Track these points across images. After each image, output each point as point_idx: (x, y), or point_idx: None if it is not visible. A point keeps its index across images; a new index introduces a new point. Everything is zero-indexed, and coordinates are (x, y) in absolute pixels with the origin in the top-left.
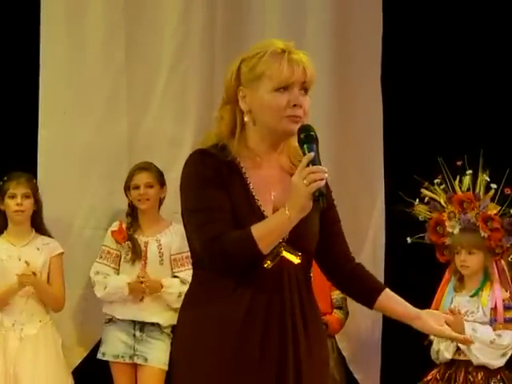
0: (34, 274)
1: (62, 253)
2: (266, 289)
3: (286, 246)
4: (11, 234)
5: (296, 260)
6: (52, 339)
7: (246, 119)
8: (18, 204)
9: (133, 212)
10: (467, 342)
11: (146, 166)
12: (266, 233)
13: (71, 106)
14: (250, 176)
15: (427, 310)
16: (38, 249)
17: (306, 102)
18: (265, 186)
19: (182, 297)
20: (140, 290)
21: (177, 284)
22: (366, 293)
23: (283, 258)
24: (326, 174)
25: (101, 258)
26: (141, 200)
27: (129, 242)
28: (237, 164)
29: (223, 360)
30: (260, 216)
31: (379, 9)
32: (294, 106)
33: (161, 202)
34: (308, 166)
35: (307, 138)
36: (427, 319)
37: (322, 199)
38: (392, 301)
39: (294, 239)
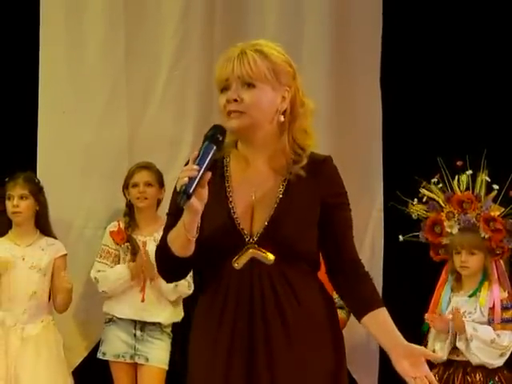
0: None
1: (66, 254)
2: (235, 289)
3: (254, 247)
4: (15, 234)
5: (268, 260)
6: (54, 339)
7: None
8: (13, 205)
9: (130, 211)
10: None
11: (147, 165)
12: (174, 236)
13: (71, 106)
14: (231, 176)
15: (408, 345)
16: (43, 249)
17: (246, 95)
18: (246, 186)
19: (178, 288)
20: (140, 267)
21: None
22: (358, 306)
23: (253, 258)
24: (196, 172)
25: (101, 257)
26: (139, 198)
27: (128, 244)
28: (223, 164)
29: (203, 366)
30: (226, 216)
31: (379, 9)
32: (228, 102)
33: (159, 202)
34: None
35: (210, 136)
36: (399, 359)
37: (183, 196)
38: (377, 323)
39: (265, 240)
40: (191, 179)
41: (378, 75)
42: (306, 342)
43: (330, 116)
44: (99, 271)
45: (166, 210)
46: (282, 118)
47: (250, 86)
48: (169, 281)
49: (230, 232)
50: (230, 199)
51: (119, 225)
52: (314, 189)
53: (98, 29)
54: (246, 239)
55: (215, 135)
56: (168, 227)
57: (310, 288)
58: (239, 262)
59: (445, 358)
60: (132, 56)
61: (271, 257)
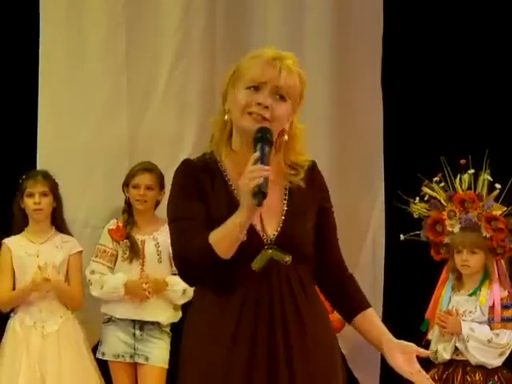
0: (47, 279)
1: (81, 251)
2: (255, 291)
3: (274, 248)
4: (31, 231)
5: (285, 260)
6: (74, 334)
7: (225, 118)
8: (35, 203)
9: (129, 209)
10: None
11: (150, 167)
12: (221, 237)
13: (71, 106)
14: (232, 179)
15: (400, 342)
16: (57, 246)
17: (276, 107)
18: None
19: (186, 293)
20: (137, 292)
21: (180, 281)
22: (349, 307)
23: (272, 259)
24: (267, 172)
25: (96, 256)
26: (139, 200)
27: (126, 241)
28: (220, 168)
29: (219, 365)
30: None
31: (380, 8)
32: (259, 104)
33: (157, 203)
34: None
35: (261, 138)
36: (393, 353)
37: (258, 196)
38: (368, 322)
39: (282, 241)
40: (265, 179)
41: (379, 74)
42: (319, 343)
43: (331, 116)
44: (93, 271)
45: (171, 214)
46: (286, 138)
47: (282, 98)
48: (193, 284)
49: (249, 234)
50: (238, 199)
51: (118, 222)
52: (311, 195)
53: (98, 27)
54: (265, 240)
55: (266, 136)
56: (191, 231)
57: (315, 291)
58: (258, 264)
59: (448, 357)
60: (133, 54)
61: (289, 257)
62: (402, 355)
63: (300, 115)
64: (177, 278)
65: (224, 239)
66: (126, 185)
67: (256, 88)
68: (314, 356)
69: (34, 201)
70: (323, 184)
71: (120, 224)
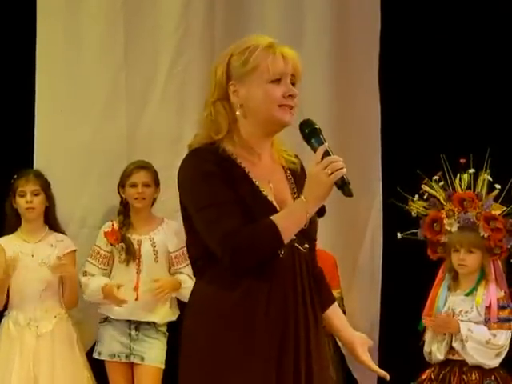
0: (63, 263)
1: (75, 250)
2: (281, 278)
3: (296, 235)
4: (24, 231)
5: (304, 246)
6: (68, 334)
7: (237, 113)
8: (27, 202)
9: (125, 210)
10: (385, 376)
11: (145, 165)
12: (290, 224)
13: (69, 104)
14: (248, 169)
15: (360, 335)
16: (52, 245)
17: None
18: (263, 177)
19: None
20: (112, 295)
21: (188, 279)
22: (322, 299)
23: (294, 246)
24: (343, 164)
25: (90, 257)
26: (138, 199)
27: (122, 244)
28: (234, 159)
29: (241, 352)
30: (269, 206)
31: (377, 6)
32: (289, 96)
33: (154, 201)
34: (323, 157)
35: (312, 132)
36: (355, 347)
37: (347, 186)
38: (336, 317)
39: (303, 229)
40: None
41: (376, 72)
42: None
43: (329, 115)
44: (85, 273)
45: (173, 208)
46: None
47: (294, 84)
48: (241, 268)
49: None
50: (262, 189)
51: (113, 225)
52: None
53: (96, 26)
54: None
55: (315, 128)
56: (232, 215)
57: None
58: (285, 250)
59: (442, 358)
60: (131, 53)
61: (307, 244)
62: (361, 347)
63: (297, 112)
64: (185, 276)
65: (292, 226)
66: (121, 186)
67: (278, 80)
68: (322, 352)
69: (26, 200)
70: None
71: (115, 226)
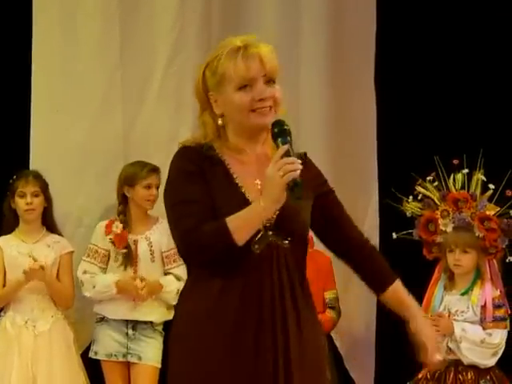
0: (42, 267)
1: (72, 251)
2: (256, 273)
3: (274, 230)
4: (22, 231)
5: (284, 243)
6: (64, 334)
7: (219, 123)
8: (27, 203)
9: (125, 209)
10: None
11: (156, 167)
12: (241, 224)
13: (64, 104)
14: (232, 167)
15: (422, 328)
16: (49, 246)
17: (274, 92)
18: (249, 175)
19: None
20: (129, 290)
21: (173, 281)
22: (380, 280)
23: (272, 242)
24: (301, 166)
25: (88, 256)
26: (150, 201)
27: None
28: (220, 158)
29: (220, 350)
30: (244, 202)
31: (373, 7)
32: (261, 100)
33: None
34: (282, 157)
35: (280, 132)
36: (421, 325)
37: (297, 189)
38: (400, 294)
39: (282, 224)
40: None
41: (372, 73)
42: (308, 328)
43: (324, 116)
44: (85, 272)
45: (174, 198)
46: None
47: (272, 82)
48: (196, 265)
49: None
50: (240, 185)
51: (123, 227)
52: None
53: (92, 25)
54: (264, 222)
55: (284, 128)
56: (197, 212)
57: (305, 277)
58: (259, 246)
59: (441, 359)
60: (127, 52)
61: (287, 240)
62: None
63: (294, 113)
64: (169, 279)
65: (244, 227)
66: (130, 185)
67: (247, 85)
68: (306, 348)
69: (26, 201)
70: (317, 170)
71: (120, 228)
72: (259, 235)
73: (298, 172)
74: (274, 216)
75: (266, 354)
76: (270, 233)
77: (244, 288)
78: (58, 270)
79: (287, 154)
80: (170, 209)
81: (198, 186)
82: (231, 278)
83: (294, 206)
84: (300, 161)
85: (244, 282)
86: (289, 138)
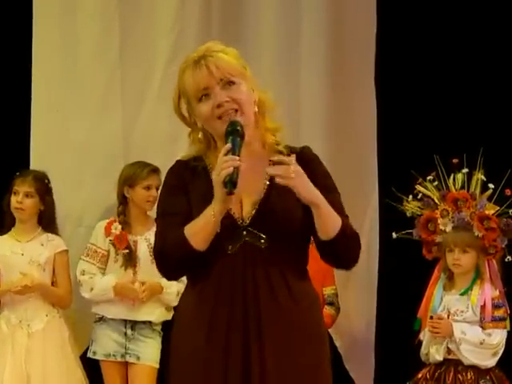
0: (27, 286)
1: (67, 250)
2: (229, 273)
3: (247, 229)
4: (17, 230)
5: (260, 242)
6: (59, 333)
7: (199, 136)
8: (17, 201)
9: (124, 210)
10: None
11: (156, 168)
12: (197, 230)
13: (64, 104)
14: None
15: None
16: (42, 244)
17: (233, 94)
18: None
19: (180, 295)
20: (127, 293)
21: (173, 282)
22: None
23: (247, 242)
24: (238, 162)
25: (87, 255)
26: (149, 201)
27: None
28: (206, 168)
29: (201, 351)
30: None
31: (373, 8)
32: (219, 106)
33: None
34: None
35: (231, 131)
36: None
37: (230, 185)
38: None
39: (260, 221)
40: (235, 169)
41: (372, 74)
42: (294, 329)
43: (325, 115)
44: (84, 272)
45: (157, 210)
46: (256, 109)
47: (231, 84)
48: (169, 278)
49: (224, 217)
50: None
51: (122, 229)
52: None
53: (91, 25)
54: (239, 222)
55: (236, 128)
56: (171, 226)
57: (302, 274)
58: (232, 246)
59: (440, 359)
60: (127, 52)
61: (264, 238)
62: None
63: (294, 113)
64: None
65: (199, 232)
66: (129, 185)
67: (205, 95)
68: (288, 342)
69: (17, 199)
70: (314, 162)
71: (119, 229)
72: (233, 235)
73: (231, 169)
74: (250, 215)
75: (236, 352)
76: (244, 232)
77: (218, 288)
78: (53, 269)
79: (233, 153)
80: (155, 221)
81: (178, 198)
82: (208, 279)
83: (276, 202)
84: (237, 157)
85: (218, 282)
86: (238, 139)
